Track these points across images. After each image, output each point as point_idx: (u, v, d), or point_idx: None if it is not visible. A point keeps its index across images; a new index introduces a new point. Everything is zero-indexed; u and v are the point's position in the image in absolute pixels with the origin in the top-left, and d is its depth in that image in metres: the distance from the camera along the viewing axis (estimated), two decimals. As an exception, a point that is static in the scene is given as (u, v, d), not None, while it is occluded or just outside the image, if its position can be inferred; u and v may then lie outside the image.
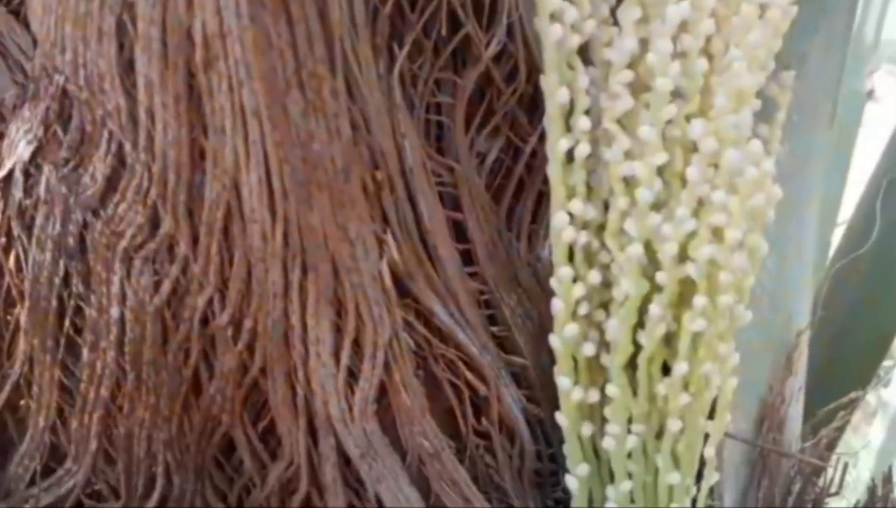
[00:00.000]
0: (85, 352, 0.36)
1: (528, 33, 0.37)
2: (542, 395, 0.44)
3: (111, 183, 0.33)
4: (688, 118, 0.36)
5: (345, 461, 0.39)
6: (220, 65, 0.30)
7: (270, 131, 0.31)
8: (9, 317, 0.36)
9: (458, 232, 0.40)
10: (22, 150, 0.34)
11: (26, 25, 0.37)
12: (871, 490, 0.54)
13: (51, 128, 0.33)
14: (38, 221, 0.34)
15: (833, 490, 0.51)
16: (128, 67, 0.32)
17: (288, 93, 0.31)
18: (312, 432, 0.39)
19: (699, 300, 0.37)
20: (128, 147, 0.32)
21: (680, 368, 0.39)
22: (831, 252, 0.61)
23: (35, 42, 0.34)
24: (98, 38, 0.31)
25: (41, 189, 0.34)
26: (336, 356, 0.37)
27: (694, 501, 0.42)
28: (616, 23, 0.36)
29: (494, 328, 0.42)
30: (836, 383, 0.51)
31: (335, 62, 0.31)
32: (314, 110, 0.31)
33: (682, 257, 0.37)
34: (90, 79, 0.32)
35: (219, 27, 0.30)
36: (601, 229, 0.39)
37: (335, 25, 0.30)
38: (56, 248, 0.34)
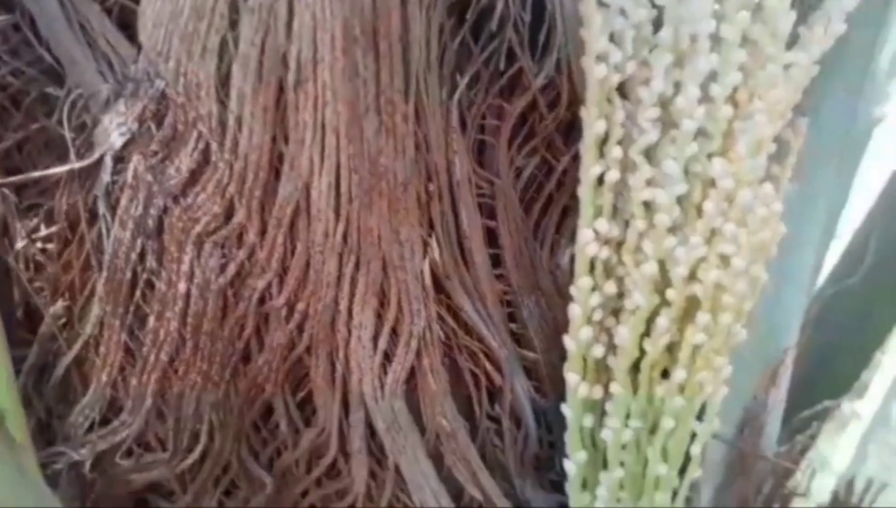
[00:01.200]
0: (151, 320, 0.40)
1: (573, 67, 0.40)
2: (549, 388, 0.47)
3: (194, 176, 0.37)
4: (709, 156, 0.39)
5: (371, 432, 0.43)
6: (308, 86, 0.34)
7: (345, 145, 0.35)
8: (85, 283, 0.40)
9: (491, 238, 0.44)
10: (114, 139, 0.37)
11: (119, 25, 0.40)
12: (835, 495, 0.59)
13: (145, 124, 0.37)
14: (123, 202, 0.37)
15: (800, 491, 0.55)
16: (224, 80, 0.35)
17: (366, 115, 0.34)
18: (345, 405, 0.42)
19: (702, 317, 0.41)
20: (214, 147, 0.36)
21: (678, 374, 0.42)
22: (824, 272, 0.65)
23: (139, 46, 0.37)
24: (202, 53, 0.35)
25: (128, 175, 0.37)
26: (375, 340, 0.41)
27: (674, 492, 0.46)
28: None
29: (513, 325, 0.46)
30: (815, 395, 0.55)
31: (409, 91, 0.35)
32: (386, 131, 0.35)
33: (691, 277, 0.41)
34: (188, 86, 0.36)
35: (312, 55, 0.33)
36: (620, 245, 0.43)
37: (413, 60, 0.34)
38: (136, 227, 0.38)
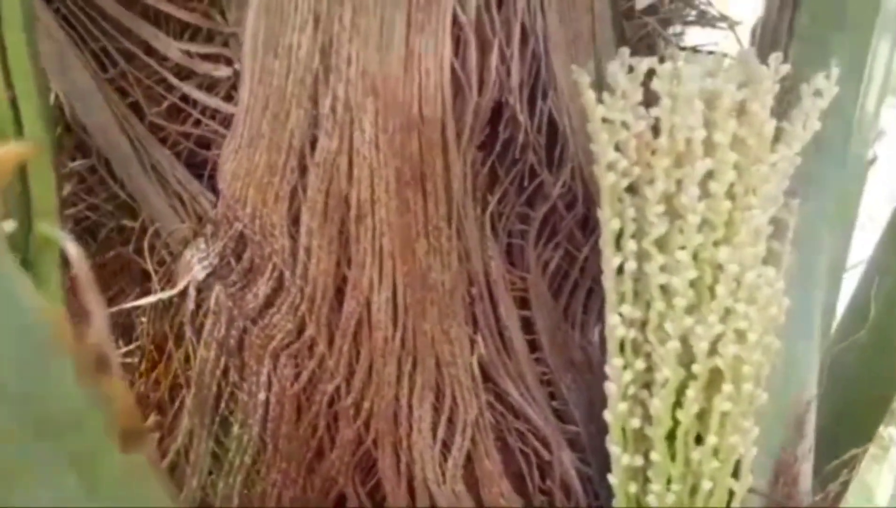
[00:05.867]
0: (235, 428, 0.45)
1: (585, 174, 0.46)
2: (592, 458, 0.51)
3: (269, 300, 0.42)
4: (715, 244, 0.44)
5: (436, 515, 0.48)
6: (367, 220, 0.40)
7: (400, 266, 0.40)
8: (174, 399, 0.46)
9: (527, 325, 0.49)
10: (197, 272, 0.43)
11: (186, 163, 0.46)
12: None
13: (225, 259, 0.43)
14: (207, 327, 0.43)
15: (839, 537, 0.58)
16: (294, 219, 0.41)
17: (417, 240, 0.40)
18: (411, 491, 0.47)
19: (727, 387, 0.45)
20: (287, 275, 0.42)
21: (711, 440, 0.46)
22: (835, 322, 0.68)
23: (211, 187, 0.43)
24: (275, 200, 0.41)
25: (211, 302, 0.43)
26: (433, 430, 0.45)
27: (721, 548, 0.50)
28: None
29: (554, 403, 0.50)
30: (841, 443, 0.59)
31: (451, 217, 0.40)
32: (434, 251, 0.40)
33: (712, 352, 0.45)
34: (264, 227, 0.42)
35: (370, 196, 0.39)
36: (644, 325, 0.47)
37: (455, 193, 0.40)
38: (219, 347, 0.43)
